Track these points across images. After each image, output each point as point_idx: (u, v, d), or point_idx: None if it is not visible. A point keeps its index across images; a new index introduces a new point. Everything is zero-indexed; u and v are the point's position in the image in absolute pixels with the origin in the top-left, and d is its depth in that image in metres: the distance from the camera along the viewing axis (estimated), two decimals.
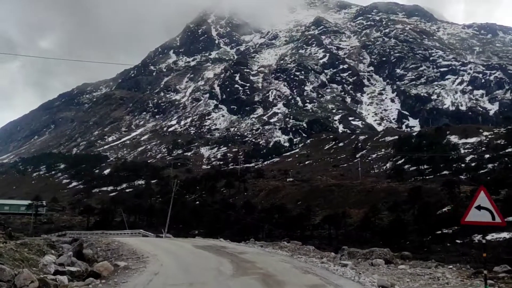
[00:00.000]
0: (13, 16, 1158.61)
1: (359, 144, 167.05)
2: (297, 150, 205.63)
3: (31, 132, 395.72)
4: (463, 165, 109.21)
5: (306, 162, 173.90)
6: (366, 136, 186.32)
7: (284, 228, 73.77)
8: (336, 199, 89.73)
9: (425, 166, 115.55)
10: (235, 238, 59.70)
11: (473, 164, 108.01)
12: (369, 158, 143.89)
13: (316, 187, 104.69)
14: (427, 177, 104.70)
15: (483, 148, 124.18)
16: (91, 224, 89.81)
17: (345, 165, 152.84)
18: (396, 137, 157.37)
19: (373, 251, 16.43)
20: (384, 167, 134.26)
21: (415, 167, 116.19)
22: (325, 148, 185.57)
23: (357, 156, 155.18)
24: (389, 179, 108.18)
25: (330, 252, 19.82)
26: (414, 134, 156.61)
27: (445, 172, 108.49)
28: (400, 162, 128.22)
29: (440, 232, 55.99)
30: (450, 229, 56.85)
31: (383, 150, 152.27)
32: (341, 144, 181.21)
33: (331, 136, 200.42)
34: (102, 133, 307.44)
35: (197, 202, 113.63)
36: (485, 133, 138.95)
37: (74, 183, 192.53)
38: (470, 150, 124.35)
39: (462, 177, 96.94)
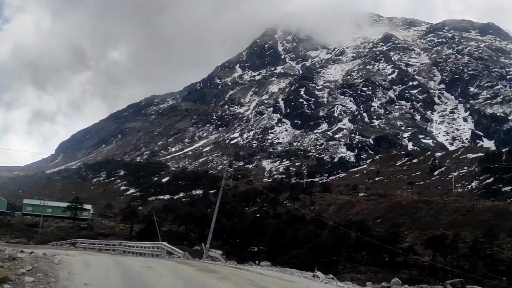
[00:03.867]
0: (87, 27, 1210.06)
1: (436, 161, 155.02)
2: (365, 166, 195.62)
3: (99, 140, 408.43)
4: None
5: (376, 179, 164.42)
6: (444, 152, 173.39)
7: (366, 250, 63.25)
8: (424, 218, 78.67)
9: None
10: (306, 260, 49.56)
11: None
12: (450, 176, 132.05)
13: (398, 203, 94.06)
14: None
15: None
16: (135, 233, 79.62)
17: (422, 182, 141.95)
18: (481, 154, 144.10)
19: None
20: (469, 186, 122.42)
21: (510, 187, 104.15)
22: (397, 164, 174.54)
23: (435, 173, 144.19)
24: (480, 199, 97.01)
25: None
26: (504, 150, 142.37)
27: None
28: (489, 181, 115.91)
29: None
30: None
31: (465, 168, 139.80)
32: (415, 160, 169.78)
33: (403, 152, 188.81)
34: (165, 144, 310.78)
35: (258, 215, 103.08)
36: None
37: (132, 190, 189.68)
38: None
39: None
